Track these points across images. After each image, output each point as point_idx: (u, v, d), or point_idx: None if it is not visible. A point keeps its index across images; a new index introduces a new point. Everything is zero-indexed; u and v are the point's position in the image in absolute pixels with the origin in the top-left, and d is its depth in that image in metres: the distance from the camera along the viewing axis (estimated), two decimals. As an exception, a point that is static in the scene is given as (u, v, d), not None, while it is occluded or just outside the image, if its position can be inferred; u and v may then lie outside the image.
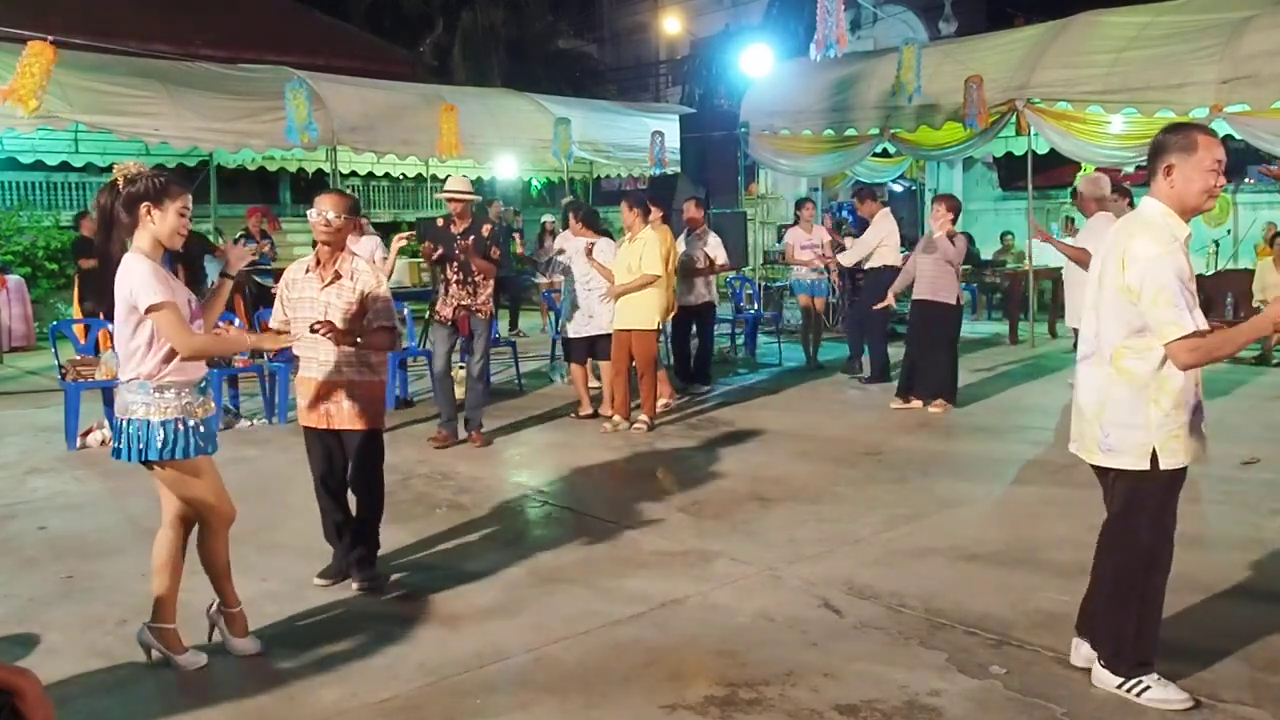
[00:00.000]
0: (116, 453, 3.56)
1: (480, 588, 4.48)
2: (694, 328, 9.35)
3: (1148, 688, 3.29)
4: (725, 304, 12.91)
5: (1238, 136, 10.40)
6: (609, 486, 6.12)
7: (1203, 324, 3.05)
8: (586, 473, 6.46)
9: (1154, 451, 3.20)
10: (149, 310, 3.39)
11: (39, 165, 14.67)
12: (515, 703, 3.42)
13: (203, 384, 3.63)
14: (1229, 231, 14.83)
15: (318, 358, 4.44)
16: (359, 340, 4.36)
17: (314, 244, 4.53)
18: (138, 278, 3.41)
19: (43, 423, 8.09)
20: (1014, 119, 11.63)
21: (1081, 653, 3.55)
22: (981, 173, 19.36)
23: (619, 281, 7.61)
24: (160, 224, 3.47)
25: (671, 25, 29.83)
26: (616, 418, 7.61)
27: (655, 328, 7.65)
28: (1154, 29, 10.91)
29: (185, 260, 11.17)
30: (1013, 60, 11.76)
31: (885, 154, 14.89)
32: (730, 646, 3.80)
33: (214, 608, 3.83)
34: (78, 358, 7.82)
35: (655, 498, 5.85)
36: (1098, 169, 15.16)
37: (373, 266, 4.53)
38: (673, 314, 8.33)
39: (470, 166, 16.03)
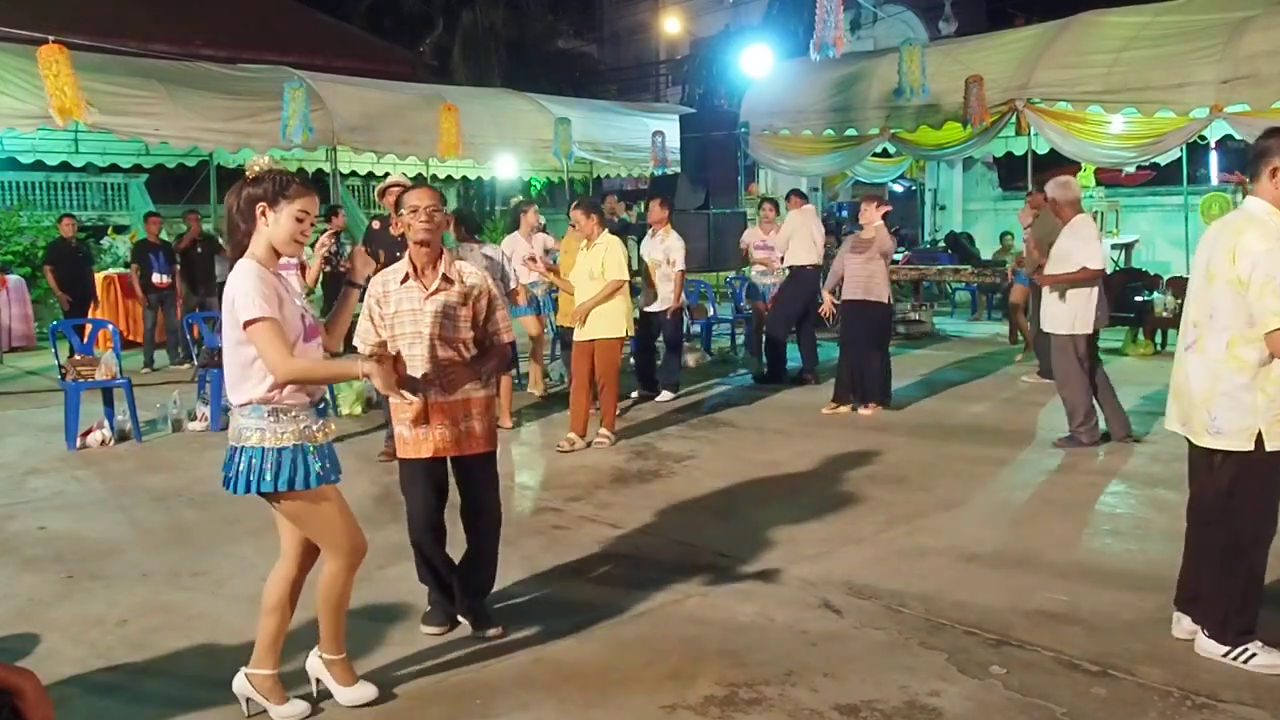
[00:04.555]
0: (227, 482, 3.13)
1: (480, 588, 4.47)
2: (660, 334, 8.79)
3: (1254, 655, 3.51)
4: (725, 304, 12.96)
5: (1238, 136, 10.41)
6: (609, 487, 6.12)
7: None
8: (586, 473, 6.45)
9: (1259, 434, 3.40)
10: (246, 325, 3.01)
11: (39, 165, 14.69)
12: (515, 703, 3.42)
13: (321, 405, 3.25)
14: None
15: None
16: (483, 373, 3.85)
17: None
18: (241, 287, 3.03)
19: (43, 423, 8.09)
20: (1014, 119, 11.65)
21: (1183, 625, 3.75)
22: (981, 173, 19.37)
23: (579, 290, 7.08)
24: (274, 227, 3.09)
25: (671, 25, 29.90)
26: (573, 435, 7.01)
27: (622, 336, 7.12)
28: (1154, 29, 10.92)
29: (192, 261, 11.25)
30: (1013, 60, 11.78)
31: (885, 154, 14.90)
32: (730, 646, 3.80)
33: (314, 655, 3.43)
34: (78, 358, 7.82)
35: (655, 498, 5.85)
36: (1097, 170, 15.17)
37: (472, 265, 3.98)
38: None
39: (470, 166, 16.06)
